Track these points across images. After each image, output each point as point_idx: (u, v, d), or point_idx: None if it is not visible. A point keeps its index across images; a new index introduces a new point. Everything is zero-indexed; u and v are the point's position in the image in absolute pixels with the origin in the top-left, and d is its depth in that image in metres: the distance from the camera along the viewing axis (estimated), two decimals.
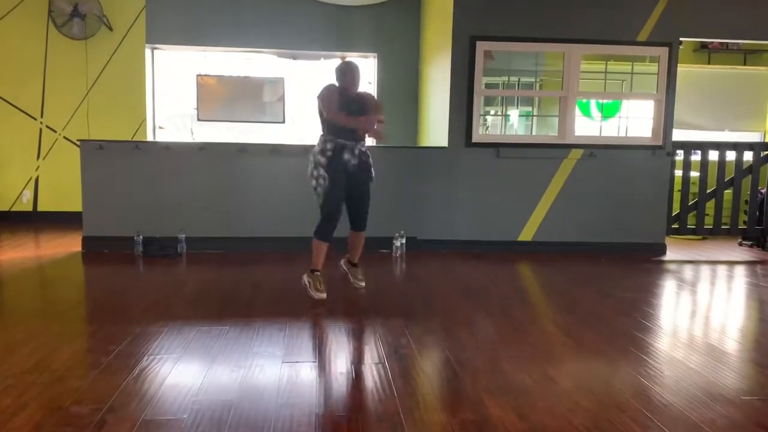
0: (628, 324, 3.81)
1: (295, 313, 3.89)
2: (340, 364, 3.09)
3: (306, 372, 2.93)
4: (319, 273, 4.24)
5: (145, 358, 3.05)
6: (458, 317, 3.91)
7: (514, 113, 7.75)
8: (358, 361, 3.16)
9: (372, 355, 3.22)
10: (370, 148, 4.41)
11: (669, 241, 6.41)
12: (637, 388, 2.80)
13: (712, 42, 7.69)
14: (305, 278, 4.27)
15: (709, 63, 7.96)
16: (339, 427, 2.39)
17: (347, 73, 4.19)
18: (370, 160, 4.31)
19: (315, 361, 3.07)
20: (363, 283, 4.45)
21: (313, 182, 4.17)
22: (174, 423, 2.38)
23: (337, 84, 4.23)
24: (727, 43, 7.72)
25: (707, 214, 6.43)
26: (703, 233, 6.50)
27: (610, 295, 4.53)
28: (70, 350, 3.16)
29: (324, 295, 4.14)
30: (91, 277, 5.03)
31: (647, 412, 2.55)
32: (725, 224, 6.47)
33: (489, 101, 7.55)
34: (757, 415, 2.56)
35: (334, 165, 4.12)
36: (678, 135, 6.34)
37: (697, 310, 4.40)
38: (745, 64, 7.92)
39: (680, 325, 3.94)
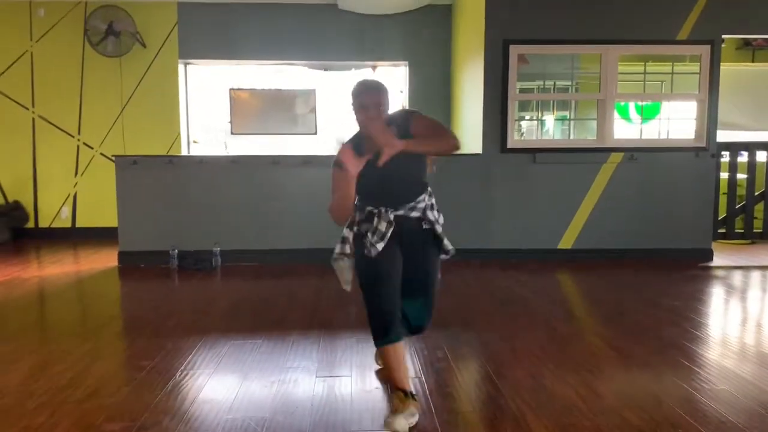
0: (676, 334, 3.63)
1: (329, 325, 3.81)
2: (375, 378, 2.99)
3: (341, 387, 2.84)
4: (403, 393, 2.50)
5: (178, 373, 3.00)
6: (497, 329, 3.78)
7: (549, 118, 7.59)
8: None
9: (408, 368, 3.12)
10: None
11: (716, 246, 6.15)
12: (691, 403, 2.63)
13: (756, 39, 7.41)
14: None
15: (753, 61, 7.67)
16: None
17: (361, 96, 2.59)
18: (437, 226, 2.77)
19: (350, 376, 2.98)
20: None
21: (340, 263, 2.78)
22: None
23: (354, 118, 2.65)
24: None
25: (756, 218, 6.16)
26: (752, 237, 6.23)
27: (657, 304, 4.33)
28: (104, 367, 3.13)
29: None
30: (126, 292, 5.04)
31: (703, 429, 2.39)
32: None
33: (524, 106, 7.41)
34: None
35: (361, 243, 2.67)
36: (721, 136, 6.10)
37: (748, 318, 4.18)
38: None
39: (731, 334, 3.73)
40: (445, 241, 2.80)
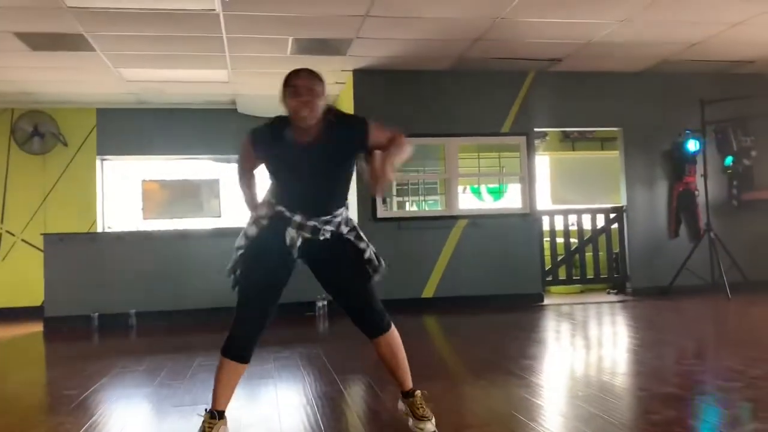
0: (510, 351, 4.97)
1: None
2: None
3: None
4: (209, 413, 2.64)
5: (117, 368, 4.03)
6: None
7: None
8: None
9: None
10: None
11: (553, 293, 7.70)
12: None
13: (572, 132, 9.43)
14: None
15: (573, 150, 9.69)
16: None
17: (294, 80, 2.54)
18: (360, 241, 2.81)
19: None
20: (429, 426, 2.72)
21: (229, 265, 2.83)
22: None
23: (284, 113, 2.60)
24: (584, 133, 9.48)
25: (575, 267, 7.83)
26: (572, 283, 7.88)
27: (497, 335, 5.69)
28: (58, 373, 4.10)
29: None
30: (52, 347, 5.89)
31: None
32: (590, 276, 7.86)
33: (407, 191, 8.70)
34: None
35: (265, 240, 2.67)
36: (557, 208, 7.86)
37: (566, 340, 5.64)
38: (602, 149, 9.66)
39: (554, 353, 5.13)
40: (368, 253, 2.78)
